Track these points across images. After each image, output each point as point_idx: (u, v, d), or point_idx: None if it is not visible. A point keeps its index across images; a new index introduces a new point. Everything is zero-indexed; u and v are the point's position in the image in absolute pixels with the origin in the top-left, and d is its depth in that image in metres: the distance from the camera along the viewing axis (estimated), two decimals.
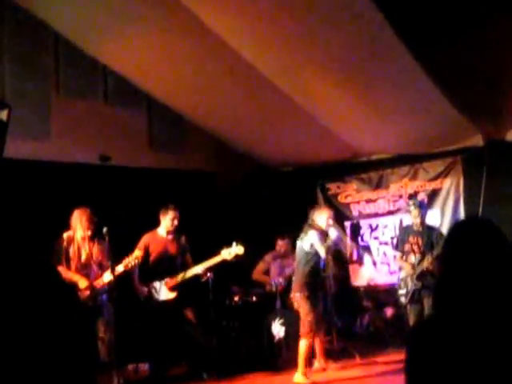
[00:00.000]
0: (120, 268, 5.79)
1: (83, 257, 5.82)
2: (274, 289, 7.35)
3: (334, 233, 6.06)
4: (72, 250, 5.80)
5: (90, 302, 5.68)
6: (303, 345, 5.88)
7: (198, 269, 6.36)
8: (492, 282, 1.85)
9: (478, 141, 7.90)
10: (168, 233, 6.52)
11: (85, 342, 2.75)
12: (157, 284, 6.39)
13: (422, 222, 6.58)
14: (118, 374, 5.57)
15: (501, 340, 1.80)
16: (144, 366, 6.67)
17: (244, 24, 5.67)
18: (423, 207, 6.74)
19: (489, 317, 1.83)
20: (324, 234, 6.05)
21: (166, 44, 6.35)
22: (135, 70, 7.02)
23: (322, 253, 5.99)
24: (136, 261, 5.93)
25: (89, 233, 5.80)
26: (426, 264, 6.10)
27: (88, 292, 5.71)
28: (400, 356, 6.12)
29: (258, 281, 7.77)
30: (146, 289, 6.36)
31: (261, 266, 7.85)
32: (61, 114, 6.85)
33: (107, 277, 5.72)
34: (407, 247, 6.42)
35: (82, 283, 5.69)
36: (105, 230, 5.53)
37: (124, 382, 5.01)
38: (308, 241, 6.03)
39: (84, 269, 5.82)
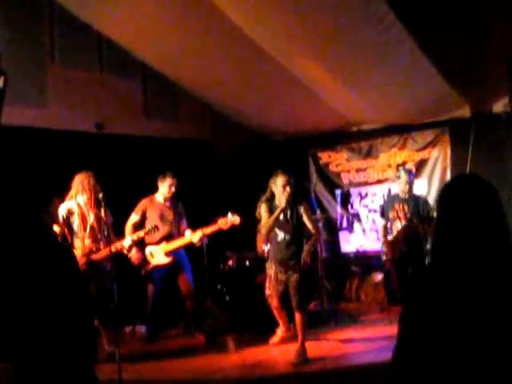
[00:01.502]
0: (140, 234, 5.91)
1: (89, 222, 5.63)
2: (266, 253, 7.21)
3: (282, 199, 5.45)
4: (76, 218, 5.61)
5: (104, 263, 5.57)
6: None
7: (194, 236, 6.20)
8: (484, 232, 1.85)
9: (465, 112, 7.82)
10: (165, 199, 6.38)
11: (79, 299, 2.70)
12: (153, 248, 6.25)
13: (410, 190, 6.52)
14: (107, 336, 5.48)
15: (494, 291, 1.78)
16: (141, 328, 6.62)
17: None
18: (411, 175, 6.67)
19: (483, 267, 1.81)
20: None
21: (162, 13, 6.11)
22: (131, 39, 6.77)
23: (262, 229, 5.62)
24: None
25: (95, 197, 5.57)
26: (413, 230, 6.02)
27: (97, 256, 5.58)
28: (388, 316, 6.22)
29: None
30: (140, 255, 6.20)
31: (261, 237, 7.64)
32: (56, 82, 6.63)
33: (127, 241, 5.82)
34: (393, 214, 6.35)
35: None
36: (101, 195, 5.35)
37: (118, 343, 4.87)
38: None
39: (93, 233, 5.64)
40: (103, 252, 5.55)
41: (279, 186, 5.45)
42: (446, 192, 2.01)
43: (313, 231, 5.66)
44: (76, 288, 2.72)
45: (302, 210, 5.54)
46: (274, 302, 5.67)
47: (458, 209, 1.90)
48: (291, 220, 5.51)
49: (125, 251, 5.86)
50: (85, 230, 5.62)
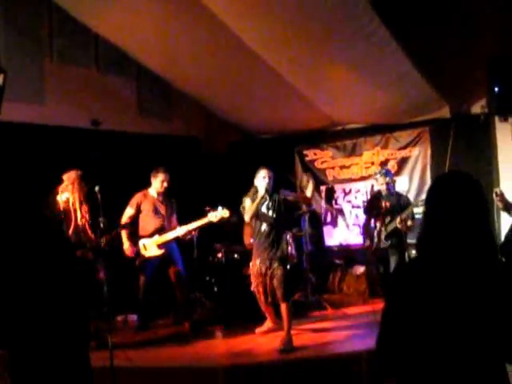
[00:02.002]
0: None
1: (78, 219, 5.69)
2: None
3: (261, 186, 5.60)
4: (67, 213, 5.67)
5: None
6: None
7: (184, 229, 6.30)
8: (470, 228, 1.89)
9: (445, 113, 7.97)
10: (158, 194, 6.47)
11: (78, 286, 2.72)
12: (146, 241, 6.34)
13: (388, 189, 6.62)
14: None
15: (476, 286, 1.83)
16: (132, 317, 6.69)
17: None
18: (389, 175, 6.77)
19: (468, 263, 1.85)
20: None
21: (157, 14, 6.17)
22: (126, 39, 6.83)
23: (245, 217, 5.73)
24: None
25: (83, 196, 5.65)
26: (396, 223, 6.12)
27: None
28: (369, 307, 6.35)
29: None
30: (134, 248, 6.29)
31: (248, 230, 7.77)
32: (54, 79, 6.71)
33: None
34: (377, 210, 6.45)
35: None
36: (97, 188, 5.41)
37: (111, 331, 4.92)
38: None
39: (79, 231, 5.69)
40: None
41: (260, 178, 5.66)
42: (434, 188, 2.05)
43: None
44: (76, 277, 2.76)
45: (280, 197, 5.72)
46: (261, 298, 5.75)
47: (445, 205, 1.94)
48: (272, 211, 5.67)
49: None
50: (70, 225, 5.63)
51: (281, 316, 5.61)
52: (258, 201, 5.60)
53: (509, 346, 1.83)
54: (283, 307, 5.54)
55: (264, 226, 5.66)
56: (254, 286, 5.72)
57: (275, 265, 5.58)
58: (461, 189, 1.96)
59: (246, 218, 5.71)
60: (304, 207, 7.68)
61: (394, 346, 1.94)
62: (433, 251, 1.91)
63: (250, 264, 5.83)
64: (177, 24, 6.28)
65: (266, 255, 5.62)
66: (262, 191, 5.60)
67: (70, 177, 5.68)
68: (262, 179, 5.64)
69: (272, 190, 5.69)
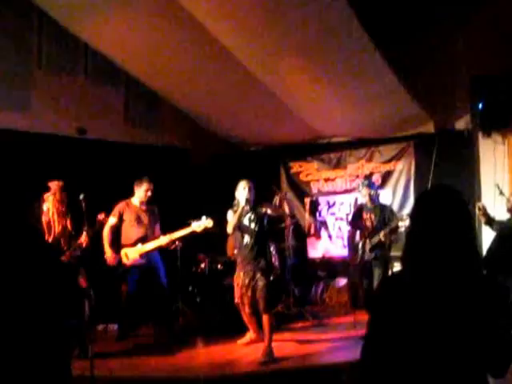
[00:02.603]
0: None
1: (57, 230, 5.66)
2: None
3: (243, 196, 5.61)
4: (46, 223, 5.65)
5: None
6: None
7: (167, 238, 6.31)
8: (452, 239, 1.90)
9: (429, 128, 8.09)
10: (141, 203, 6.46)
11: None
12: (128, 250, 6.33)
13: (372, 200, 6.65)
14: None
15: (460, 300, 1.84)
16: (113, 327, 6.65)
17: (220, 8, 5.55)
18: (373, 187, 6.82)
19: (452, 277, 1.87)
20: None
21: (146, 25, 6.23)
22: (115, 49, 6.87)
23: (228, 229, 5.75)
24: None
25: (62, 206, 5.64)
26: (379, 237, 6.16)
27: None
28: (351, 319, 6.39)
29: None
30: (116, 257, 6.28)
31: (231, 241, 7.78)
32: (42, 87, 6.73)
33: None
34: (361, 222, 6.49)
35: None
36: (81, 196, 5.42)
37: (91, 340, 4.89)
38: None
39: (57, 241, 5.64)
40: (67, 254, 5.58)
41: (240, 190, 5.69)
42: (420, 202, 2.06)
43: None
44: (60, 285, 2.76)
45: (263, 210, 5.73)
46: (246, 309, 5.75)
47: (430, 218, 1.95)
48: (254, 223, 5.68)
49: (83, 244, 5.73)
50: (49, 236, 5.60)
51: (263, 327, 5.62)
52: (239, 212, 5.61)
53: (492, 359, 1.85)
54: (265, 318, 5.55)
55: (246, 239, 5.68)
56: (238, 297, 5.73)
57: (258, 276, 5.60)
58: (445, 202, 1.97)
59: (229, 229, 5.72)
60: (288, 220, 7.74)
61: (378, 360, 1.94)
62: (418, 265, 1.93)
63: (234, 276, 5.85)
64: (166, 35, 6.33)
65: (250, 267, 5.64)
66: (242, 202, 5.62)
67: (52, 187, 5.68)
68: (241, 190, 5.67)
69: (253, 202, 5.71)
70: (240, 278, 5.69)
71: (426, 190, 2.26)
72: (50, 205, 5.63)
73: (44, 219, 5.60)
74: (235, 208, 5.72)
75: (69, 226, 5.57)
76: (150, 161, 7.56)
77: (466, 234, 1.93)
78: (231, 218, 5.71)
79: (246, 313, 5.78)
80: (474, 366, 1.85)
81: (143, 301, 6.34)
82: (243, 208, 5.62)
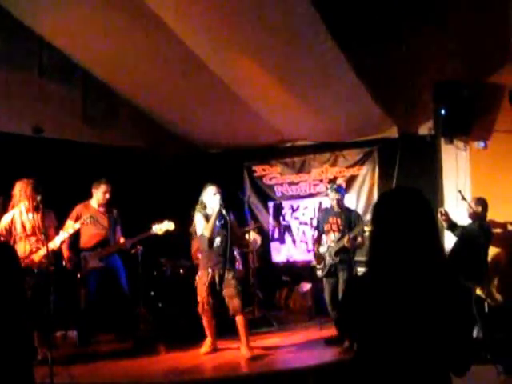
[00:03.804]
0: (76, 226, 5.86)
1: (28, 227, 5.58)
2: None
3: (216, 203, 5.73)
4: (17, 224, 5.56)
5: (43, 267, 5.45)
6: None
7: (129, 241, 6.28)
8: (415, 240, 1.95)
9: (393, 133, 8.26)
10: (100, 205, 6.39)
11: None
12: (87, 253, 6.26)
13: (339, 205, 6.74)
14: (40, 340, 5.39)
15: (424, 294, 1.91)
16: (72, 333, 6.56)
17: (181, 5, 5.55)
18: (340, 191, 6.92)
19: (416, 277, 1.93)
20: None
21: (103, 20, 6.12)
22: (71, 45, 6.72)
23: (205, 232, 5.78)
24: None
25: (33, 203, 5.55)
26: (344, 241, 6.26)
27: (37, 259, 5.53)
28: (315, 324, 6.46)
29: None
30: (75, 259, 6.20)
31: (196, 244, 7.76)
32: None
33: (60, 237, 5.63)
34: (327, 227, 6.58)
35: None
36: (39, 198, 5.34)
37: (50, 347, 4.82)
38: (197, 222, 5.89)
39: (33, 235, 5.59)
40: (41, 252, 5.50)
41: (210, 195, 5.79)
42: (381, 204, 2.12)
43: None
44: (15, 290, 2.74)
45: (232, 220, 5.84)
46: (208, 313, 5.76)
47: (392, 220, 2.00)
48: (224, 227, 5.77)
49: (57, 247, 5.72)
50: (25, 232, 5.56)
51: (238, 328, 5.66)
52: (214, 217, 5.71)
53: (452, 358, 1.93)
54: (240, 319, 5.63)
55: (217, 240, 5.77)
56: (203, 297, 5.73)
57: (230, 275, 5.68)
58: (407, 203, 2.01)
59: (206, 233, 5.75)
60: (251, 223, 7.80)
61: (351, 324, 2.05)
62: (379, 265, 1.99)
63: (197, 276, 5.86)
64: (124, 32, 6.26)
65: (220, 266, 5.70)
66: (216, 207, 5.70)
67: (19, 187, 5.59)
68: (212, 196, 5.77)
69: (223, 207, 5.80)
70: (206, 277, 5.72)
71: (386, 191, 2.29)
72: (22, 204, 5.55)
73: (19, 219, 5.54)
74: (204, 211, 5.81)
75: (40, 220, 5.46)
76: (109, 162, 7.48)
77: (427, 232, 1.98)
78: (202, 221, 5.78)
79: (208, 316, 5.79)
80: (434, 364, 1.92)
81: (103, 306, 6.28)
82: (218, 212, 5.70)
